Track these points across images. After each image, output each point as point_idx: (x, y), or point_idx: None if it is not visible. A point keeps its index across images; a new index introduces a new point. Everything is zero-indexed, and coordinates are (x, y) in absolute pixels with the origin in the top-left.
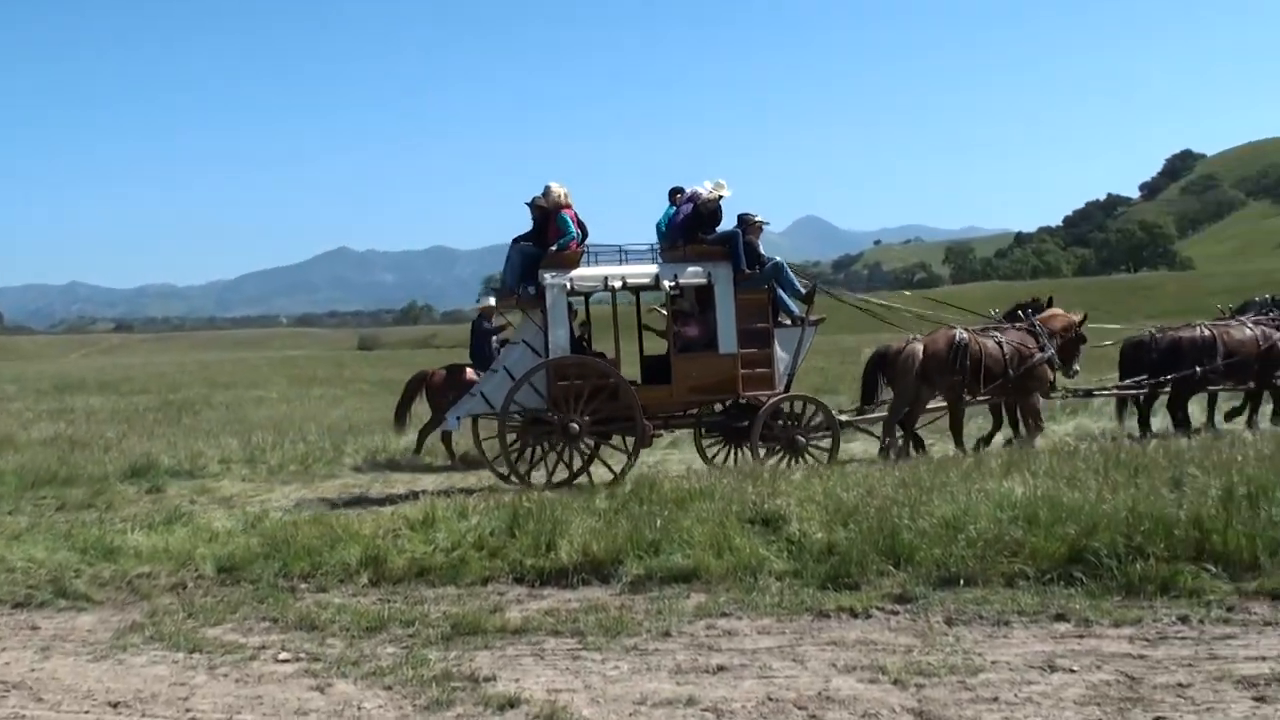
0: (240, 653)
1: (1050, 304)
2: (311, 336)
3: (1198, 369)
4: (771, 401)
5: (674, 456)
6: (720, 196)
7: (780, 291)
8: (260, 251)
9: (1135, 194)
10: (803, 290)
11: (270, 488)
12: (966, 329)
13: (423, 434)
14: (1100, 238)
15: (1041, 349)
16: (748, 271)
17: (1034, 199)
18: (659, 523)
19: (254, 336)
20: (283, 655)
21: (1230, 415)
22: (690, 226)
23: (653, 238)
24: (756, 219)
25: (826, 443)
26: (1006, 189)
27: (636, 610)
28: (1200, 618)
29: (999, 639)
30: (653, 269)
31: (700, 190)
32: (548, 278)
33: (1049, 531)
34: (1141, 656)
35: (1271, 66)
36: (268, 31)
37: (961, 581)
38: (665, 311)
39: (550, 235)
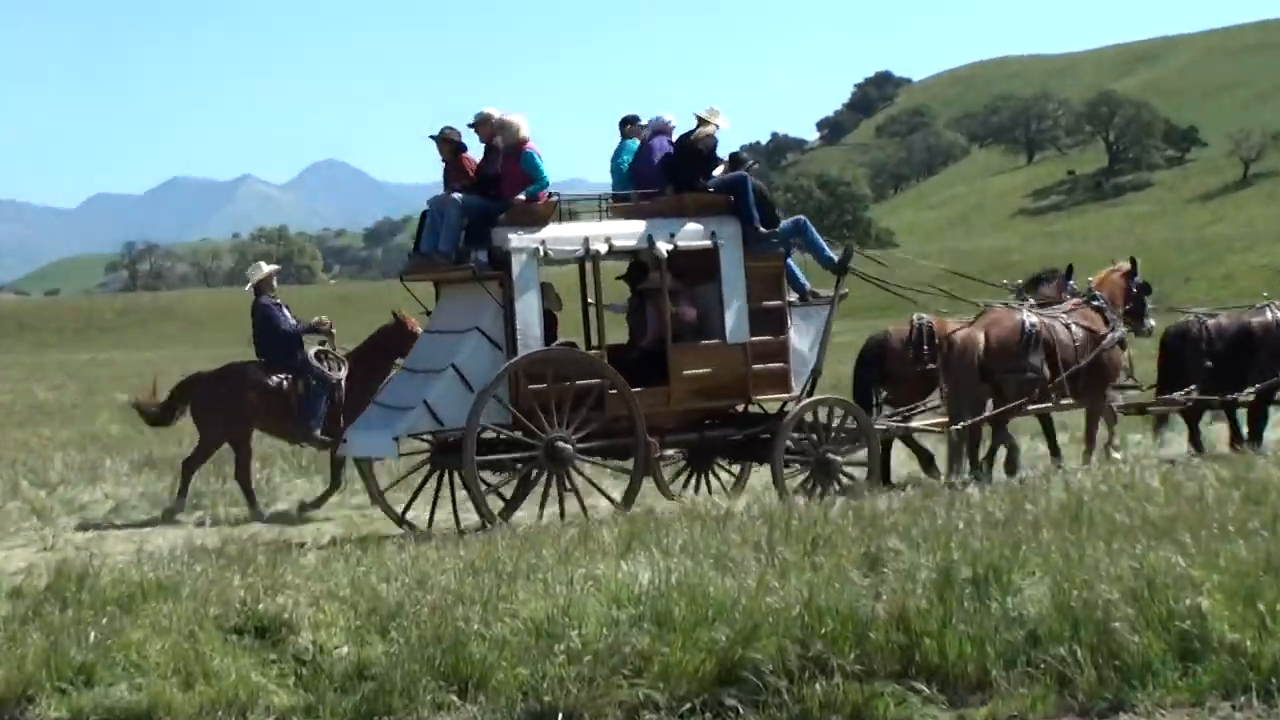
0: None
1: (1070, 274)
2: None
3: None
4: (801, 406)
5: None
6: (715, 129)
7: (789, 260)
8: None
9: (812, 135)
10: (834, 257)
11: None
12: (1030, 309)
13: (240, 479)
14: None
15: (1111, 327)
16: (763, 230)
17: None
18: (94, 636)
19: None
20: None
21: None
22: (679, 170)
23: None
24: (750, 160)
25: (862, 460)
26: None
27: None
28: None
29: None
30: (639, 227)
31: (668, 119)
32: (513, 239)
33: (689, 638)
34: None
35: None
36: None
37: (561, 715)
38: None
39: (508, 181)
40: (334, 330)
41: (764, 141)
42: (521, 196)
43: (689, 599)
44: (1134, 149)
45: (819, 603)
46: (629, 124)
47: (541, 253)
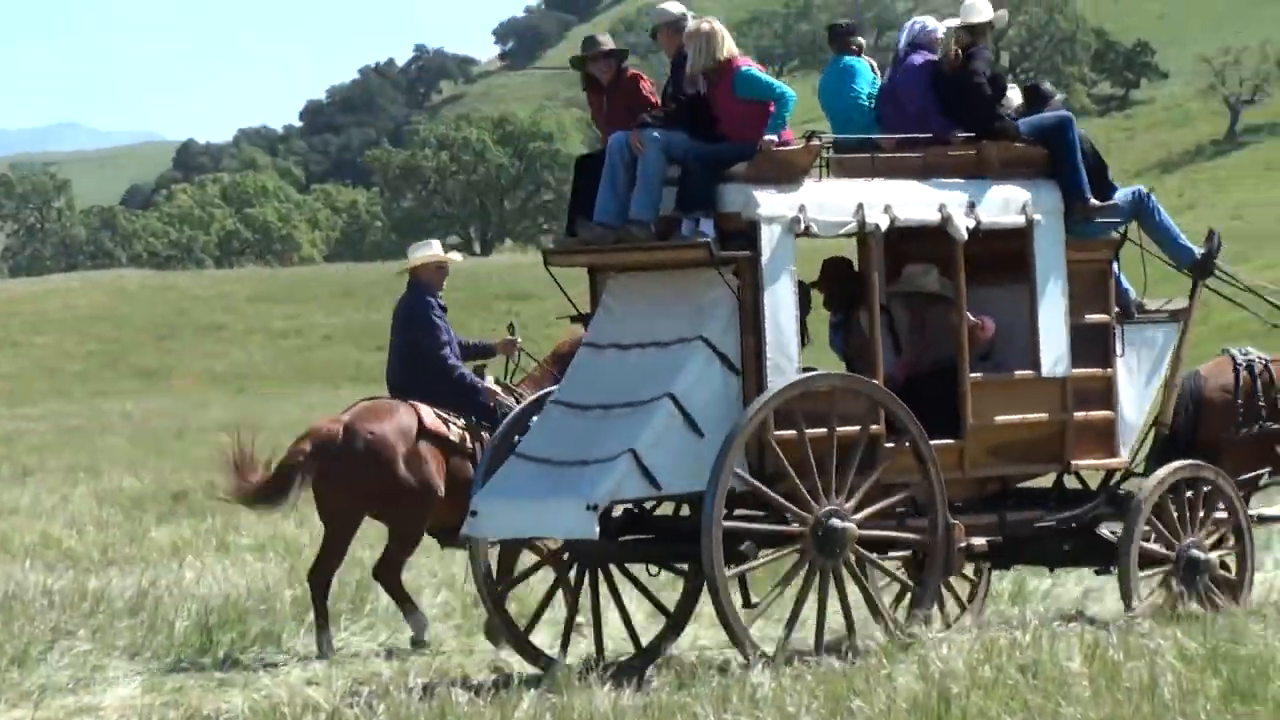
0: None
1: None
2: None
3: None
4: (1167, 474)
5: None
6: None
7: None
8: None
9: (488, 52)
10: (1194, 249)
11: None
12: None
13: (388, 578)
14: (400, 157)
15: None
16: (1095, 205)
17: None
18: None
19: None
20: None
21: None
22: (960, 103)
23: None
24: (1053, 92)
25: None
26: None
27: None
28: None
29: None
30: (928, 191)
31: (933, 26)
32: (763, 202)
33: None
34: None
35: None
36: None
37: None
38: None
39: (726, 116)
40: (520, 344)
41: (402, 62)
42: (772, 136)
43: None
44: (1046, 80)
45: None
46: (846, 37)
47: (802, 224)
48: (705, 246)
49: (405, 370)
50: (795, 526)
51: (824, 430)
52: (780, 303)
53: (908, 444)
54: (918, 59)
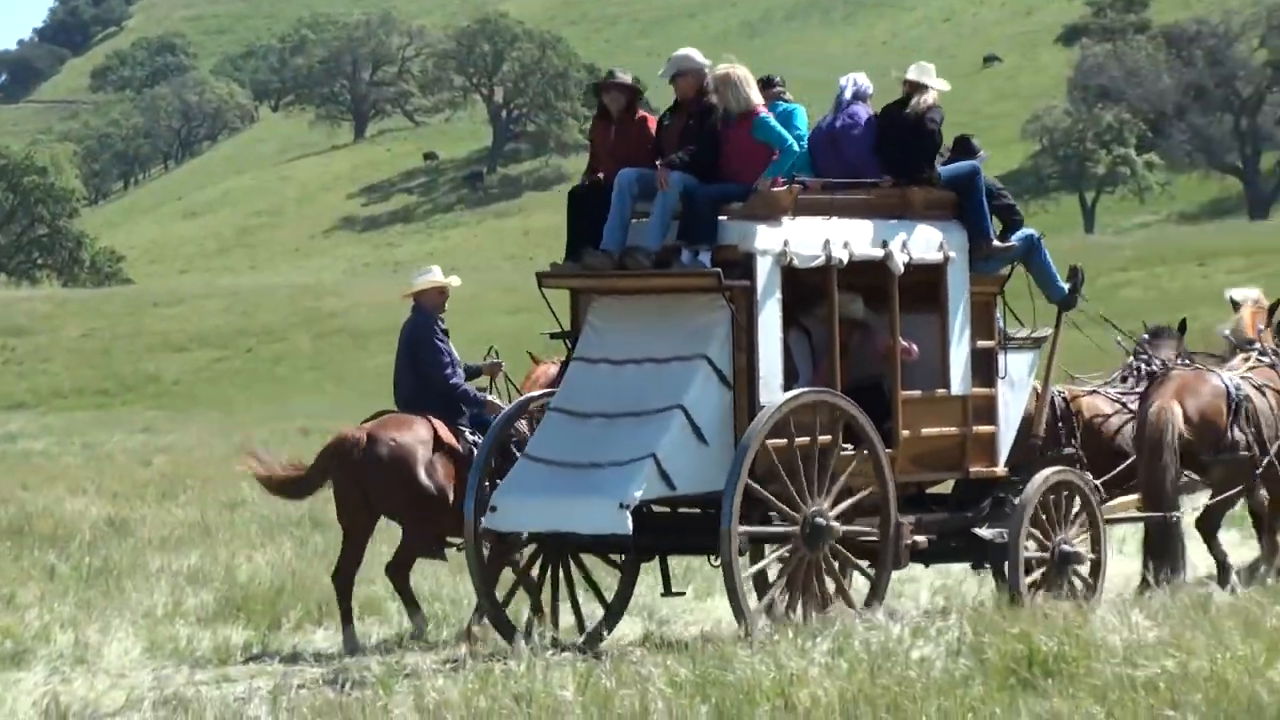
0: None
1: (1184, 331)
2: None
3: None
4: (1045, 480)
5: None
6: (935, 94)
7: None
8: None
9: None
10: (1063, 285)
11: None
12: (1228, 370)
13: (398, 578)
14: None
15: None
16: (998, 245)
17: None
18: None
19: None
20: None
21: None
22: (899, 153)
23: None
24: (979, 147)
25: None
26: None
27: None
28: None
29: None
30: (873, 229)
31: (861, 81)
32: (759, 237)
33: None
34: None
35: None
36: None
37: None
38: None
39: (736, 154)
40: (504, 366)
41: None
42: (777, 179)
43: None
44: (540, 115)
45: None
46: (771, 88)
47: (787, 257)
48: (715, 275)
49: (413, 388)
50: (788, 522)
51: (800, 439)
52: (769, 326)
53: (866, 452)
54: (861, 110)
